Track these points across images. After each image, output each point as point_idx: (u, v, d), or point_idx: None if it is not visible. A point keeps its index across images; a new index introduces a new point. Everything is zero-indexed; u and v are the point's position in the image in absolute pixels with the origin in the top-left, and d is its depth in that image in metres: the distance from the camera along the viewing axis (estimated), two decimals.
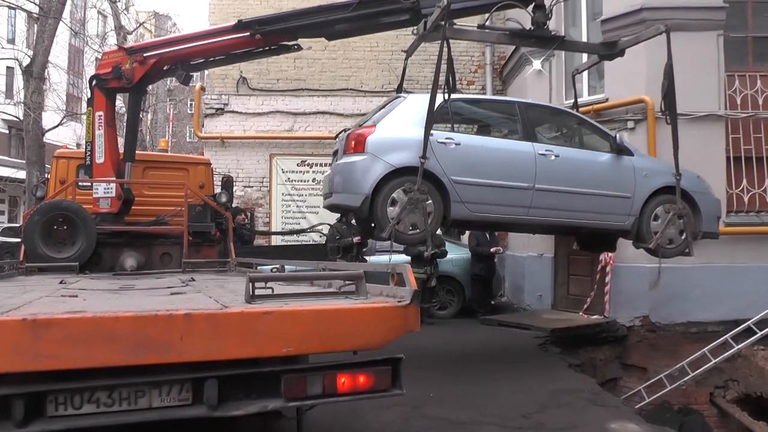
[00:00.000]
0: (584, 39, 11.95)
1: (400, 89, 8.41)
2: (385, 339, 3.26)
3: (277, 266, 6.30)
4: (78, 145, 38.09)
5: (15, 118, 28.27)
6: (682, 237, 8.10)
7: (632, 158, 8.11)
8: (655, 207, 8.05)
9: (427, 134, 6.81)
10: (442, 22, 6.84)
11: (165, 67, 8.67)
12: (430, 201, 7.10)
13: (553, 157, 7.69)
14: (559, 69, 12.61)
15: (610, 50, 8.45)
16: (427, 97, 6.96)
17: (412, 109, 7.43)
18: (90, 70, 40.99)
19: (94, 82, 8.59)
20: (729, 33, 10.86)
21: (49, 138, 18.72)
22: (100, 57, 10.29)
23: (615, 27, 10.60)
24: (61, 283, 5.32)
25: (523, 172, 7.56)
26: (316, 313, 3.15)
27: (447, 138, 7.37)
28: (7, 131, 38.16)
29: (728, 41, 10.85)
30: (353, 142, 7.21)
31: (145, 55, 8.41)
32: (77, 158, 9.26)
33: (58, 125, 21.80)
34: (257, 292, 3.30)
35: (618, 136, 8.22)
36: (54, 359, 2.73)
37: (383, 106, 7.99)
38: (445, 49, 6.85)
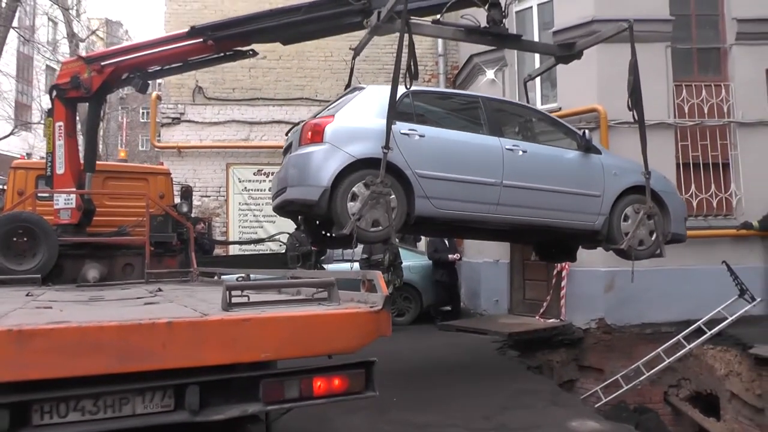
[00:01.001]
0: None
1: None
2: (358, 343, 3.39)
3: (243, 275, 6.35)
4: (29, 155, 37.65)
5: None
6: (652, 238, 7.91)
7: (600, 156, 7.91)
8: (624, 207, 7.80)
9: (389, 123, 6.42)
10: (399, 9, 6.59)
11: (123, 76, 8.63)
12: (393, 196, 6.64)
13: (520, 153, 7.36)
14: (512, 78, 12.90)
15: (567, 51, 8.22)
16: (387, 88, 6.61)
17: (372, 100, 7.04)
18: (41, 78, 40.45)
19: (54, 93, 8.51)
20: (676, 44, 11.27)
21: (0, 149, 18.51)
22: (58, 67, 10.21)
23: (566, 38, 10.86)
24: (27, 295, 5.31)
25: (491, 167, 7.18)
26: (292, 320, 3.27)
27: (410, 129, 6.92)
28: None
29: (675, 52, 11.29)
30: (310, 132, 6.70)
31: (102, 63, 8.36)
32: (35, 169, 9.22)
33: (9, 134, 21.44)
34: (233, 300, 3.39)
35: (586, 132, 8.00)
36: (39, 369, 2.78)
37: (339, 99, 7.59)
38: (406, 36, 6.57)
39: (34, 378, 2.82)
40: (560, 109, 11.52)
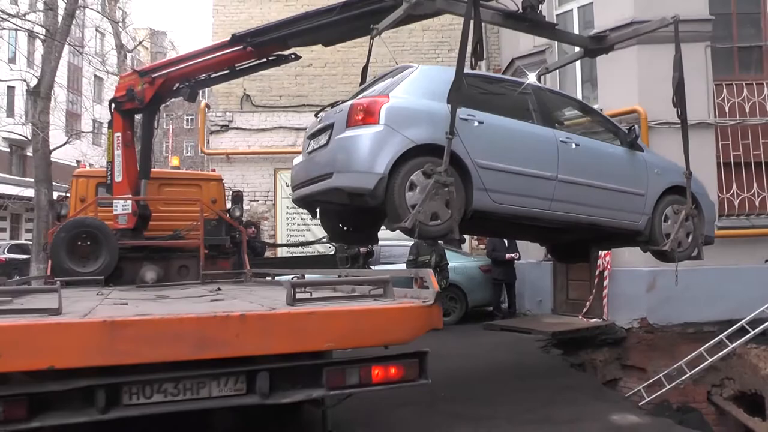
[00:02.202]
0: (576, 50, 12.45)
1: (364, 74, 7.27)
2: (412, 335, 3.71)
3: (297, 275, 6.67)
4: (78, 162, 38.68)
5: (21, 137, 28.62)
6: (689, 240, 7.72)
7: (644, 154, 7.61)
8: (665, 207, 7.56)
9: (455, 107, 5.83)
10: None
11: (175, 87, 8.93)
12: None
13: (573, 146, 6.94)
14: (554, 81, 13.06)
15: (597, 44, 7.90)
16: (440, 69, 6.34)
17: (426, 80, 6.46)
18: (89, 88, 41.58)
19: (112, 105, 8.94)
20: (716, 44, 11.33)
21: (54, 156, 19.12)
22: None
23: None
24: (98, 294, 5.71)
25: (547, 160, 6.71)
26: (352, 313, 3.60)
27: (469, 114, 6.28)
28: (8, 149, 38.53)
29: (715, 51, 11.31)
30: (362, 113, 6.00)
31: (153, 76, 8.72)
32: (96, 177, 9.68)
33: (65, 144, 22.20)
34: (297, 296, 3.71)
35: (636, 128, 7.66)
36: (129, 355, 3.16)
37: (381, 78, 6.97)
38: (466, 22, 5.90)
39: (124, 363, 3.18)
40: (602, 110, 11.63)
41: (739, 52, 11.77)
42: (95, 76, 42.95)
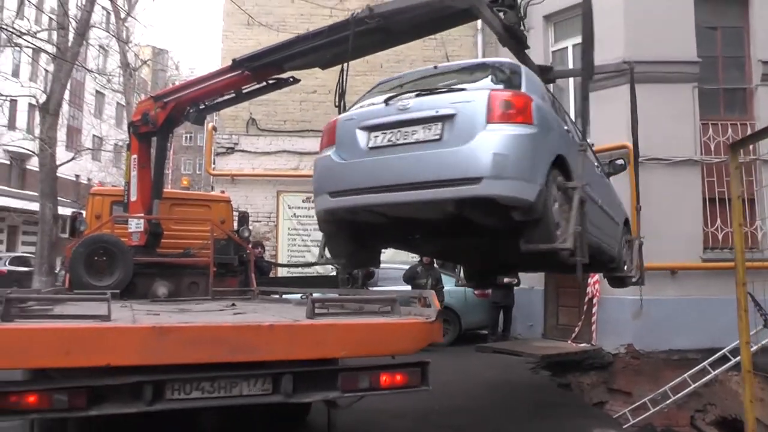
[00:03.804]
0: (571, 86, 13.01)
1: (342, 99, 7.00)
2: (416, 347, 4.26)
3: (304, 294, 7.10)
4: (77, 177, 39.07)
5: (25, 150, 29.06)
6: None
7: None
8: (623, 236, 7.69)
9: (586, 116, 5.60)
10: None
11: (186, 110, 9.23)
12: None
13: (599, 170, 6.74)
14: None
15: (543, 74, 7.05)
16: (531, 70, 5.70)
17: (536, 81, 5.86)
18: (90, 103, 42.00)
19: (131, 129, 9.42)
20: (703, 85, 11.91)
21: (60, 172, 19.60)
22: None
23: (598, 78, 11.58)
24: (122, 307, 6.19)
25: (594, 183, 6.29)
26: (365, 327, 4.16)
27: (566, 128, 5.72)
28: (9, 162, 38.89)
29: (702, 92, 11.91)
30: (512, 109, 5.08)
31: (165, 100, 9.15)
32: (111, 195, 10.15)
33: (71, 160, 22.67)
34: (316, 310, 4.24)
35: (624, 160, 7.66)
36: (173, 356, 3.67)
37: (466, 71, 6.13)
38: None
39: (169, 363, 3.67)
40: (593, 145, 12.16)
41: (725, 93, 12.35)
42: (97, 91, 43.34)
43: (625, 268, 7.70)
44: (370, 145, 5.49)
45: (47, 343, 3.54)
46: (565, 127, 5.75)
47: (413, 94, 5.53)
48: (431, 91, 5.55)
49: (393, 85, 6.18)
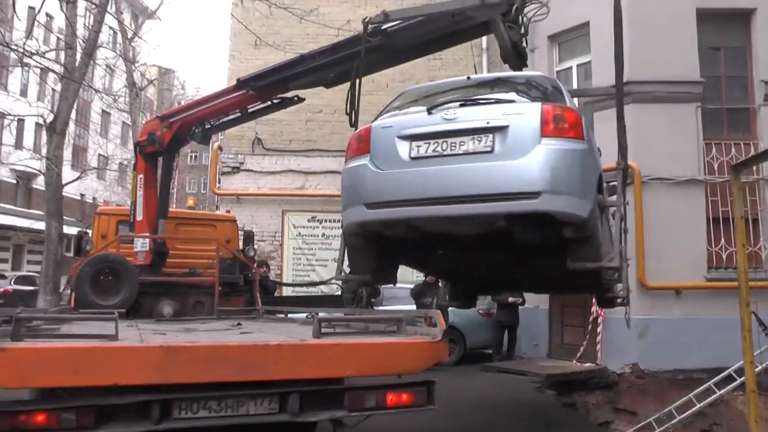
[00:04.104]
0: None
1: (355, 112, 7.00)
2: (422, 366, 4.28)
3: (310, 313, 7.11)
4: (82, 196, 39.19)
5: (32, 170, 29.18)
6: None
7: None
8: None
9: (623, 131, 5.67)
10: None
11: (192, 130, 9.31)
12: None
13: None
14: None
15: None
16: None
17: (569, 95, 5.84)
18: (96, 122, 42.19)
19: (137, 149, 9.47)
20: (706, 105, 11.96)
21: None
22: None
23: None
24: (128, 326, 6.21)
25: None
26: (371, 346, 4.19)
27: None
28: (15, 181, 39.05)
29: (705, 112, 11.93)
30: (565, 124, 5.05)
31: (171, 120, 9.22)
32: (117, 215, 10.22)
33: (77, 179, 22.78)
34: (322, 330, 4.27)
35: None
36: (181, 375, 3.70)
37: (502, 83, 6.03)
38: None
39: (177, 382, 3.70)
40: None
41: (728, 113, 12.39)
42: (103, 111, 43.59)
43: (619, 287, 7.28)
44: (412, 155, 5.27)
45: (56, 363, 3.58)
46: (597, 146, 5.72)
47: (457, 104, 5.38)
48: (477, 102, 5.44)
49: (420, 95, 6.08)
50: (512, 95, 5.52)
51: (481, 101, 5.47)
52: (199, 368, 3.71)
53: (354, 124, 6.60)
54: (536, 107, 5.08)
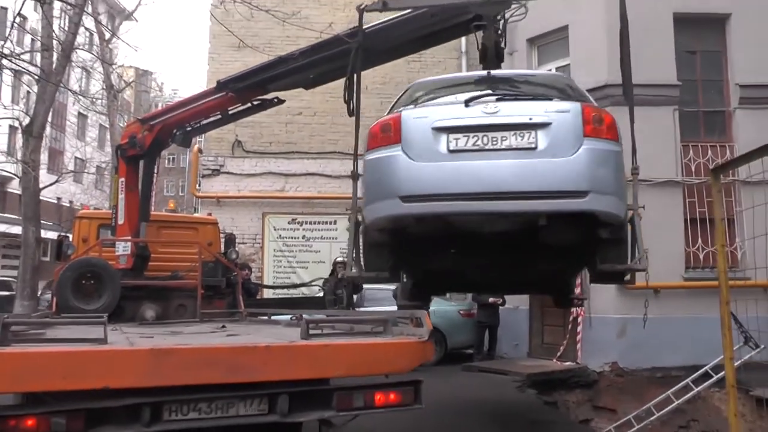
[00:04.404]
0: None
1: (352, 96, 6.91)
2: (409, 366, 4.34)
3: (294, 315, 7.15)
4: (59, 199, 38.75)
5: (7, 173, 28.82)
6: None
7: None
8: None
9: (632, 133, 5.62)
10: None
11: (173, 132, 9.32)
12: None
13: None
14: None
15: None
16: None
17: None
18: (71, 125, 41.75)
19: (118, 152, 9.43)
20: (683, 108, 12.13)
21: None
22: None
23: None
24: (114, 330, 6.21)
25: None
26: (359, 347, 4.24)
27: None
28: None
29: (683, 115, 12.11)
30: (605, 126, 5.05)
31: (152, 123, 9.21)
32: (98, 218, 10.15)
33: (54, 182, 22.58)
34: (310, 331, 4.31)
35: None
36: (171, 378, 3.73)
37: (527, 82, 6.07)
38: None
39: (167, 384, 3.73)
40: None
41: (705, 116, 12.56)
42: (80, 113, 43.12)
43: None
44: (450, 148, 5.09)
45: (47, 367, 3.60)
46: None
47: (493, 98, 5.26)
48: (517, 97, 5.40)
49: (436, 87, 6.00)
50: (546, 92, 5.56)
51: (520, 96, 5.44)
52: (189, 371, 3.74)
53: (354, 114, 6.65)
54: (577, 106, 5.09)
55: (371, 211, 5.35)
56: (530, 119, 5.02)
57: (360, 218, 5.71)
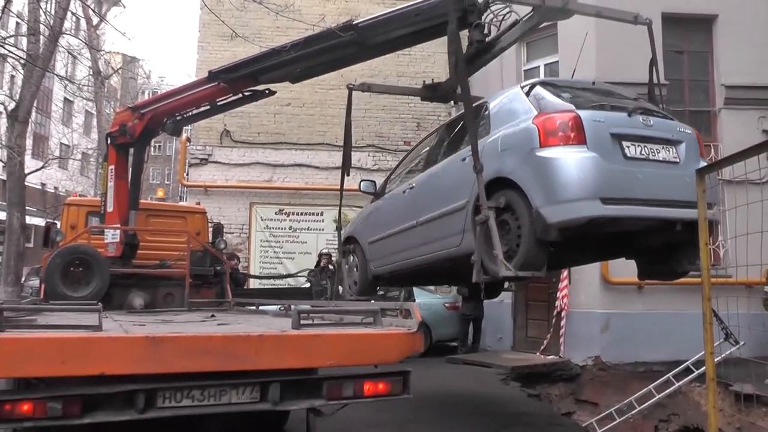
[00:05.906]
0: None
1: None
2: (398, 357, 4.44)
3: (283, 306, 7.22)
4: (43, 185, 38.48)
5: None
6: None
7: None
8: None
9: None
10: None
11: (164, 121, 9.25)
12: None
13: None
14: None
15: (430, 92, 8.04)
16: None
17: None
18: (57, 110, 41.39)
19: (108, 140, 9.41)
20: (670, 107, 12.23)
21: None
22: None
23: None
24: (106, 317, 6.26)
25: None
26: (349, 337, 4.33)
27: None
28: None
29: (669, 114, 12.22)
30: (702, 145, 5.84)
31: (142, 111, 9.17)
32: (87, 206, 10.15)
33: (41, 168, 22.45)
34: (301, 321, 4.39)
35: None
36: (166, 365, 3.79)
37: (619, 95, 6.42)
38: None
39: (161, 372, 3.80)
40: None
41: (691, 115, 12.67)
42: (66, 99, 42.76)
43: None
44: (627, 155, 5.35)
45: (44, 353, 3.65)
46: None
47: (639, 111, 5.67)
48: (656, 113, 5.92)
49: (566, 86, 6.32)
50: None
51: (656, 113, 5.95)
52: (184, 358, 3.81)
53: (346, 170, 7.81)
54: (692, 130, 5.87)
55: (565, 211, 5.13)
56: (672, 136, 5.64)
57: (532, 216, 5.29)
